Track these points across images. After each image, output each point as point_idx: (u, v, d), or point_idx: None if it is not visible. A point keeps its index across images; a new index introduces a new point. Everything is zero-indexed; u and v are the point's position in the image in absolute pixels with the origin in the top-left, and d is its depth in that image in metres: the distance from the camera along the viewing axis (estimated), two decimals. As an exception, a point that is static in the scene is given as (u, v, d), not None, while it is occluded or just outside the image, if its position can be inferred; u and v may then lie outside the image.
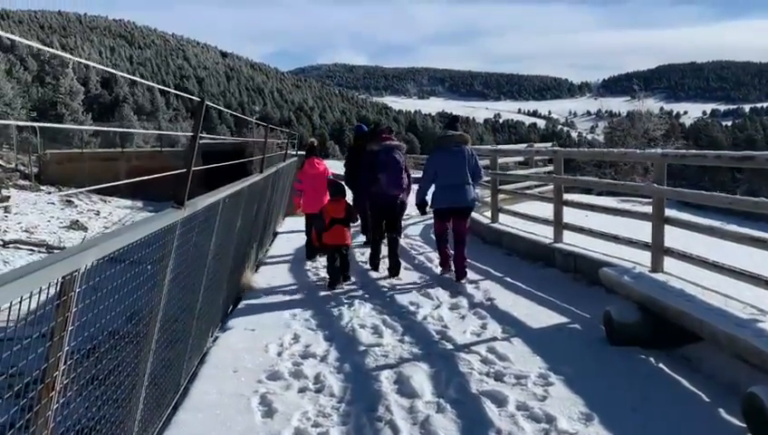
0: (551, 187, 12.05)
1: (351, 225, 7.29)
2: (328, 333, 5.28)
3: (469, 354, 4.66)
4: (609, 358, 4.53)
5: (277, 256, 9.00)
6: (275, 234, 11.11)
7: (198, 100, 3.06)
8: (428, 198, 7.20)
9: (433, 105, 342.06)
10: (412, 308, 5.99)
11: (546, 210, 9.09)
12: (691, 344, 4.40)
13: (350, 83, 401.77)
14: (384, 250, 7.64)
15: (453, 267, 7.03)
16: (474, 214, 10.32)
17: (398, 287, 6.90)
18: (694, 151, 5.26)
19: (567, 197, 7.63)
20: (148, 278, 2.91)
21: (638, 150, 6.30)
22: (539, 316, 5.57)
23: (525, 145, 15.39)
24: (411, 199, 7.59)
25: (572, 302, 5.96)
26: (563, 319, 5.51)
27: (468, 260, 7.11)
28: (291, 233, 11.00)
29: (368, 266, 7.82)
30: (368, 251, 8.08)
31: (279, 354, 4.76)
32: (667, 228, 5.66)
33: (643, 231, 6.23)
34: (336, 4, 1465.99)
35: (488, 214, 10.21)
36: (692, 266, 5.41)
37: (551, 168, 15.05)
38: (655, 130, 21.20)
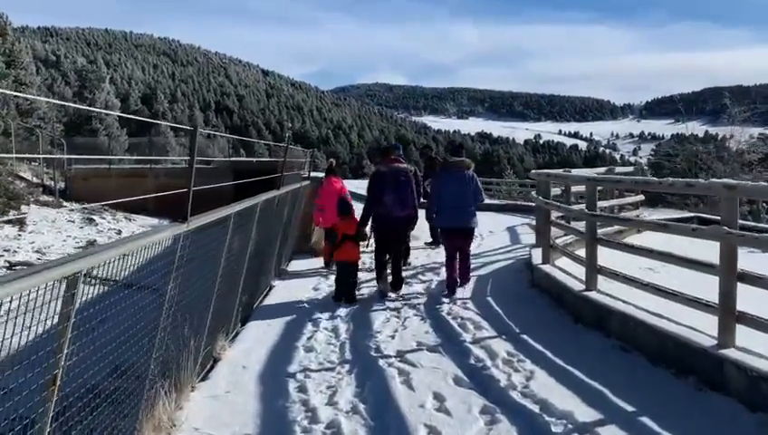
0: (615, 228, 8.70)
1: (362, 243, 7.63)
2: None
3: None
4: None
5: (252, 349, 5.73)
6: (266, 293, 8.14)
7: None
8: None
9: (472, 125, 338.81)
10: None
11: (621, 260, 5.96)
12: None
13: (389, 103, 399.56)
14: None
15: (456, 281, 7.49)
16: (556, 273, 7.16)
17: (438, 421, 3.82)
18: None
19: (707, 256, 4.39)
20: None
21: None
22: None
23: (605, 169, 12.23)
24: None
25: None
26: None
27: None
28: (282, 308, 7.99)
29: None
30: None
31: None
32: None
33: None
34: (378, 25, 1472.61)
35: (567, 266, 7.12)
36: None
37: (632, 199, 11.86)
38: (751, 154, 17.73)
